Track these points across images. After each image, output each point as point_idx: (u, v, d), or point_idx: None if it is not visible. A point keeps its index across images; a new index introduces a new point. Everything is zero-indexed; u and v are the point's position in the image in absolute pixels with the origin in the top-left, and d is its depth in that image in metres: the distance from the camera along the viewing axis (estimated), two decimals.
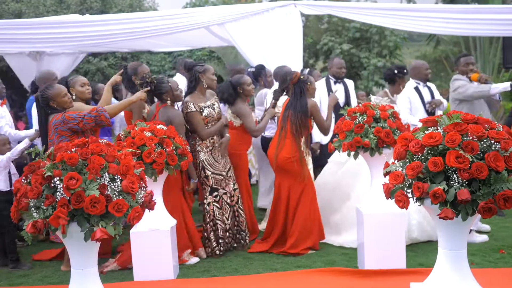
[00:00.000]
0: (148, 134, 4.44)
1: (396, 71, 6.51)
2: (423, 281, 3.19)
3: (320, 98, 6.79)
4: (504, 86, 5.89)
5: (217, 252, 5.25)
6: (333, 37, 15.62)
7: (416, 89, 6.45)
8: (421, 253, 5.12)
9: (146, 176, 3.48)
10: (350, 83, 7.17)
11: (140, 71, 5.49)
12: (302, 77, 5.33)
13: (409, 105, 6.40)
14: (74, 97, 5.10)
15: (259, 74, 6.89)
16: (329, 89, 6.91)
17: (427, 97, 6.40)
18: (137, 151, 4.32)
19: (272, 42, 7.01)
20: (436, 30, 8.31)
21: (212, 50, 13.56)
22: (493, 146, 2.79)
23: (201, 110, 5.30)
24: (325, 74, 8.61)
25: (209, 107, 5.35)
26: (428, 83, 6.55)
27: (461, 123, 2.86)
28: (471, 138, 2.80)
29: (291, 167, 5.31)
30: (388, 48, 15.17)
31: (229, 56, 12.44)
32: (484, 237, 5.47)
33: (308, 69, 6.18)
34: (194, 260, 5.12)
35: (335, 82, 6.99)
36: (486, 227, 5.75)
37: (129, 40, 7.74)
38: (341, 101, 6.90)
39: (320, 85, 6.99)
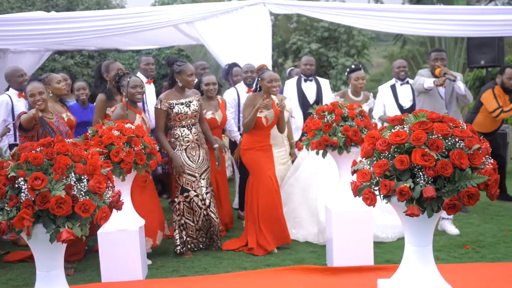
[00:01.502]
0: (116, 133, 4.39)
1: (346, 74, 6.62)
2: (390, 277, 3.24)
3: (290, 97, 6.83)
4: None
5: (185, 250, 5.19)
6: (302, 36, 15.73)
7: (392, 87, 6.60)
8: (388, 249, 5.20)
9: (114, 176, 3.44)
10: (324, 82, 7.21)
11: (111, 68, 5.54)
12: (260, 72, 5.36)
13: (381, 101, 6.58)
14: (50, 94, 5.08)
15: (227, 73, 6.88)
16: (299, 87, 6.96)
17: (405, 96, 6.53)
18: (104, 150, 4.27)
19: (241, 41, 7.02)
20: (403, 30, 8.44)
21: (181, 48, 13.45)
22: (458, 144, 2.84)
23: (170, 107, 5.20)
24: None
25: (182, 104, 5.22)
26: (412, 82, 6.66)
27: (426, 122, 2.91)
28: (436, 136, 2.85)
29: (244, 160, 5.36)
30: (356, 48, 15.36)
31: (198, 54, 12.36)
32: (455, 231, 5.61)
33: (291, 67, 6.20)
34: None
35: (305, 80, 7.03)
36: (456, 231, 5.67)
37: (96, 38, 7.64)
38: (312, 99, 6.96)
39: (291, 84, 7.06)
